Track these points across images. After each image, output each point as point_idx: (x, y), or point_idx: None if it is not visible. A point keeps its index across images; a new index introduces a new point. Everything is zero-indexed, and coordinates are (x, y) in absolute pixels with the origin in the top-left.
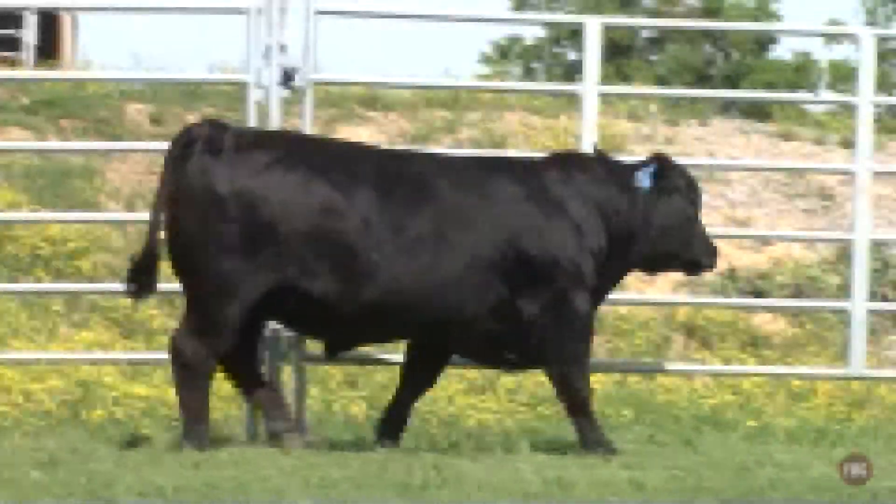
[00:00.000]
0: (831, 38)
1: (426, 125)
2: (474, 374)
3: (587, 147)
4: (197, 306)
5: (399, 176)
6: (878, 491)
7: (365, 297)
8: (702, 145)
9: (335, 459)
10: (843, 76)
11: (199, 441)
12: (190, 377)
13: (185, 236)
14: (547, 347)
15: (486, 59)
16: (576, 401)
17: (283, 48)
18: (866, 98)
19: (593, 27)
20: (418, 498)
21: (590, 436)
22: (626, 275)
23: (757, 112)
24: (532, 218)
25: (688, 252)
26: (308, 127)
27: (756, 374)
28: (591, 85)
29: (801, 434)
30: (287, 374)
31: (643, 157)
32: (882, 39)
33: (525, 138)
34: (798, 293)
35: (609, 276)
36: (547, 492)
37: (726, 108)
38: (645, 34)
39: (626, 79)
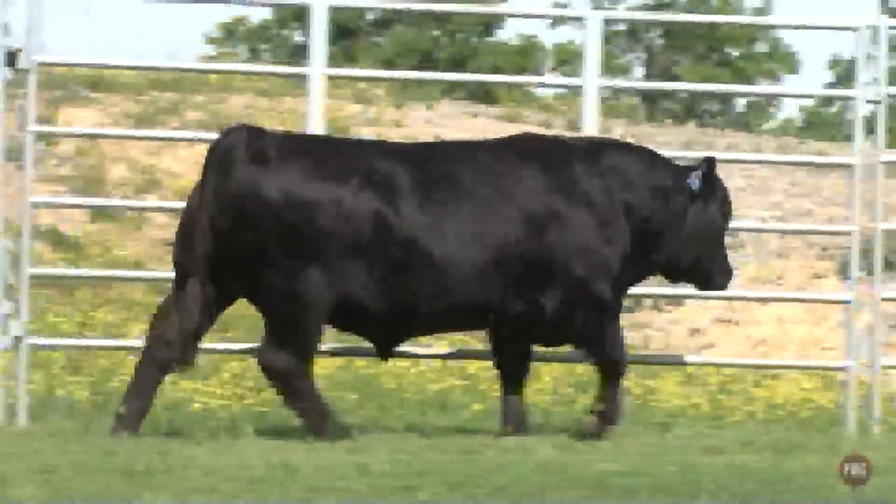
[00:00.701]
0: (557, 20)
1: (151, 106)
2: (200, 359)
3: (316, 129)
4: (276, 321)
5: (434, 170)
6: (603, 474)
7: (413, 297)
8: (429, 128)
9: (57, 445)
10: (569, 59)
11: (341, 430)
12: (292, 387)
13: (245, 249)
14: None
15: (211, 41)
16: (610, 372)
17: (6, 28)
18: (592, 81)
19: (320, 8)
20: (142, 483)
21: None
22: (646, 276)
23: (483, 95)
24: (558, 208)
25: (708, 265)
26: (32, 109)
27: (483, 358)
28: (317, 67)
29: (528, 417)
30: (7, 359)
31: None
32: (608, 21)
33: (250, 120)
34: None
35: (629, 274)
36: (272, 476)
37: (453, 90)
38: (371, 16)
39: (352, 61)
